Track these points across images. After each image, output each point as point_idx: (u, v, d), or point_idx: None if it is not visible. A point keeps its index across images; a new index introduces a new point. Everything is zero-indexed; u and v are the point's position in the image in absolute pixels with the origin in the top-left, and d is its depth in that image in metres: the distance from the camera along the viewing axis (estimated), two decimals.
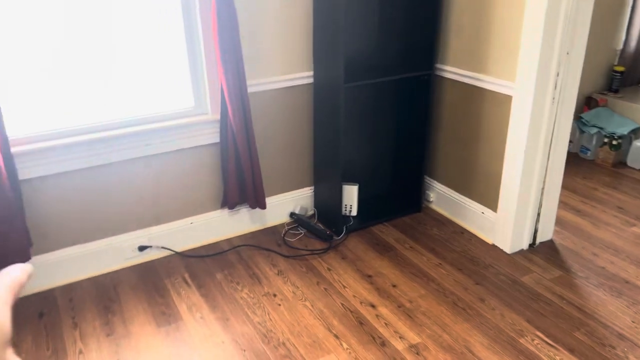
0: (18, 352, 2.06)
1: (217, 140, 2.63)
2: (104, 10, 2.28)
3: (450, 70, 2.78)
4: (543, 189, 2.62)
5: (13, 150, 2.16)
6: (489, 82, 2.57)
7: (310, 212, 3.10)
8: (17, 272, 0.43)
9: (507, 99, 2.51)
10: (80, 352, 2.06)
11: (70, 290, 2.43)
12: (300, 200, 3.04)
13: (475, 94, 2.69)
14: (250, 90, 2.60)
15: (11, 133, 2.20)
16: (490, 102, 2.61)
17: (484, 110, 2.66)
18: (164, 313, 2.27)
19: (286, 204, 3.00)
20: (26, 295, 2.39)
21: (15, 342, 2.11)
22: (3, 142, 2.07)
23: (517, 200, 2.56)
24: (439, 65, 2.84)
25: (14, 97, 2.22)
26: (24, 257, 2.21)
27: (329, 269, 2.57)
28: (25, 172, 2.22)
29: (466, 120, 2.78)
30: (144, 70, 2.45)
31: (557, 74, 2.37)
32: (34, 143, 2.23)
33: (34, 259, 2.37)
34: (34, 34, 2.18)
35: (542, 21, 2.22)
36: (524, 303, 2.31)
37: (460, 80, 2.74)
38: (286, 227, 2.95)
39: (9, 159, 2.10)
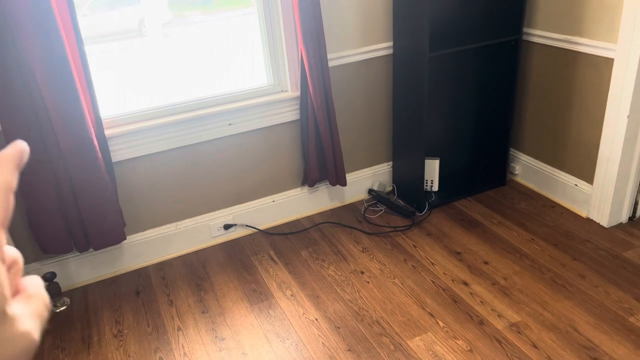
0: (121, 328, 2.14)
1: (297, 117, 2.60)
2: None
3: (540, 34, 2.60)
4: None
5: (106, 132, 2.21)
6: (585, 44, 2.39)
7: (389, 188, 3.04)
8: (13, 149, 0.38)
9: (608, 62, 2.32)
10: (179, 329, 2.11)
11: (161, 268, 2.49)
12: (378, 176, 2.98)
13: (568, 58, 2.51)
14: (329, 64, 2.54)
15: (104, 115, 2.25)
16: (587, 66, 2.43)
17: (578, 75, 2.48)
18: (255, 290, 2.29)
19: (364, 180, 2.95)
20: (122, 273, 2.48)
21: (118, 319, 2.19)
22: (97, 125, 2.12)
23: (617, 170, 2.40)
24: (526, 30, 2.67)
25: (104, 80, 2.27)
26: (120, 237, 2.28)
27: (415, 246, 2.51)
28: (116, 154, 2.27)
29: (557, 88, 2.61)
30: (226, 50, 2.43)
31: None
32: (124, 125, 2.27)
33: (127, 238, 2.45)
34: (122, 21, 2.21)
35: None
36: (629, 280, 2.17)
37: (550, 44, 2.56)
38: (365, 204, 2.90)
39: (103, 141, 2.15)
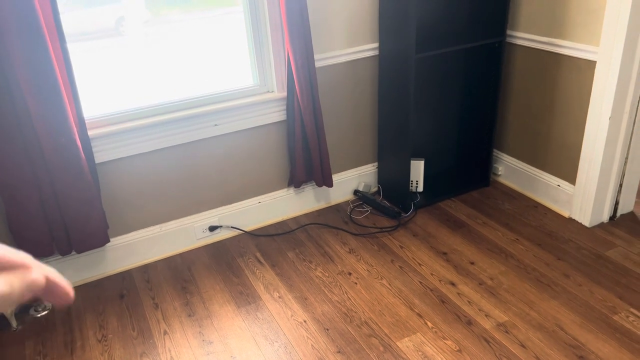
0: (105, 333, 2.10)
1: (283, 118, 2.58)
2: None
3: (523, 37, 2.64)
4: (627, 158, 2.49)
5: (89, 133, 2.16)
6: (567, 47, 2.43)
7: (374, 189, 3.04)
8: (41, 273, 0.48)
9: (589, 64, 2.36)
10: (165, 332, 2.08)
11: (146, 271, 2.45)
12: (364, 177, 2.98)
13: (551, 61, 2.55)
14: (316, 65, 2.53)
15: (86, 115, 2.20)
16: (569, 69, 2.47)
17: (561, 78, 2.52)
18: (242, 293, 2.27)
19: (349, 181, 2.95)
20: (105, 276, 2.43)
21: (102, 324, 2.15)
22: (80, 126, 2.07)
23: (599, 171, 2.44)
24: (509, 32, 2.70)
25: (85, 79, 2.22)
26: (103, 240, 2.23)
27: (401, 247, 2.52)
28: (99, 155, 2.23)
29: (540, 89, 2.65)
30: (209, 50, 2.41)
31: None
32: (107, 126, 2.23)
33: (111, 241, 2.40)
34: (107, 19, 2.16)
35: None
36: (612, 278, 2.21)
37: (533, 46, 2.60)
38: (351, 205, 2.90)
39: (86, 142, 2.10)
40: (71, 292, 0.53)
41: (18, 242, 2.11)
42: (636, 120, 2.40)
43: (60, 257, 2.31)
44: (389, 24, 2.51)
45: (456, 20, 2.77)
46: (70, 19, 2.11)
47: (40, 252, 2.15)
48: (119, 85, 2.30)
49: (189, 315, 2.16)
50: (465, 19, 2.79)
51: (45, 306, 2.24)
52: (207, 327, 2.09)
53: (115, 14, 2.33)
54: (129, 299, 2.28)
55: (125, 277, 2.42)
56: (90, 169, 2.14)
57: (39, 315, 2.20)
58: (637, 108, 2.38)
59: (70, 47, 2.13)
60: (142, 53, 2.33)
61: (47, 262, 2.30)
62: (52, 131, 1.96)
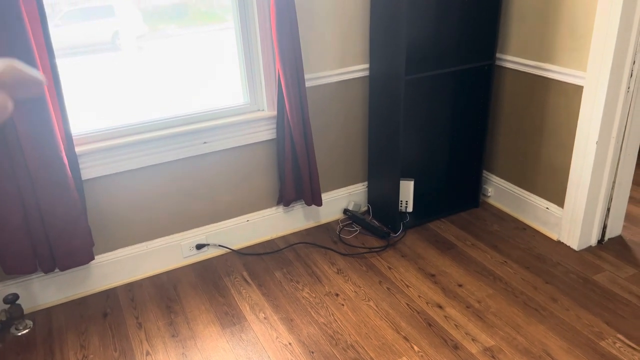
0: (86, 353, 2.06)
1: (273, 137, 2.58)
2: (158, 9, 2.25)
3: (512, 60, 2.66)
4: (614, 182, 2.50)
5: (76, 149, 2.14)
6: (556, 71, 2.45)
7: (364, 209, 3.03)
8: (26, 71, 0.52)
9: (577, 89, 2.38)
10: (148, 353, 2.04)
11: (130, 289, 2.42)
12: (354, 197, 2.98)
13: (539, 84, 2.57)
14: (306, 84, 2.54)
15: (75, 131, 2.19)
16: (557, 93, 2.49)
17: (549, 101, 2.54)
18: (227, 313, 2.24)
19: (339, 200, 2.94)
20: (89, 294, 2.39)
21: (83, 344, 2.11)
22: (67, 142, 2.05)
23: (587, 195, 2.45)
24: (499, 55, 2.73)
25: (75, 95, 2.21)
26: (88, 257, 2.21)
27: (390, 268, 2.50)
28: (86, 171, 2.21)
29: (529, 112, 2.67)
30: (200, 68, 2.41)
31: (634, 62, 2.24)
32: (94, 142, 2.21)
33: (96, 258, 2.37)
34: (95, 35, 2.17)
35: (620, 3, 2.09)
36: (599, 303, 2.21)
37: (523, 70, 2.62)
38: (340, 224, 2.89)
39: (73, 158, 2.09)
40: (42, 79, 0.55)
41: (0, 258, 2.07)
42: (623, 145, 2.42)
43: (42, 274, 2.28)
44: (379, 46, 2.52)
45: (447, 43, 2.80)
46: (66, 32, 2.11)
47: (23, 269, 2.12)
48: (109, 100, 2.29)
49: (173, 336, 2.13)
50: (456, 42, 2.81)
51: (26, 324, 2.20)
52: (190, 349, 2.06)
53: (112, 27, 2.34)
54: (113, 317, 2.25)
55: (109, 295, 2.39)
56: (76, 185, 2.12)
57: (19, 334, 2.16)
58: (623, 133, 2.39)
59: (64, 61, 2.12)
60: (134, 68, 2.33)
61: (29, 279, 2.27)
62: (38, 146, 1.94)
